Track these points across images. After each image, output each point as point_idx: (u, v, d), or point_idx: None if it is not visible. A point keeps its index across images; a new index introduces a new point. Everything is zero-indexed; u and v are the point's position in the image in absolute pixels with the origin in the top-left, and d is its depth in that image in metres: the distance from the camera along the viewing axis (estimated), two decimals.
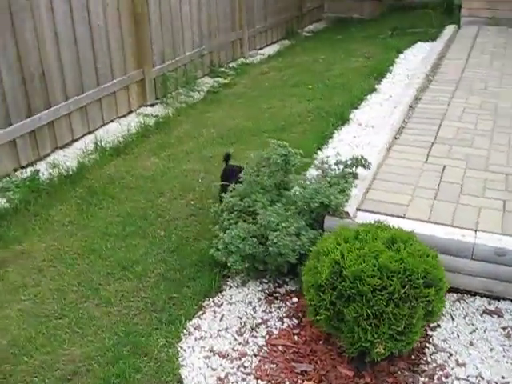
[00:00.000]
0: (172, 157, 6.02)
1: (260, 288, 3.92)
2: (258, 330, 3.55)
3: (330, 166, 4.28)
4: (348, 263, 3.02)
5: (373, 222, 3.38)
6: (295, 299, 3.78)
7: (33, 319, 3.71)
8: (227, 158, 5.03)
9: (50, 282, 4.08)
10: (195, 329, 3.58)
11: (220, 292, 3.91)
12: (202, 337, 3.51)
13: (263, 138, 6.23)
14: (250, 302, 3.79)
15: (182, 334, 3.53)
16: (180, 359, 3.34)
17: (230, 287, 3.95)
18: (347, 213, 3.73)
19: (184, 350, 3.40)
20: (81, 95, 6.31)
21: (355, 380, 3.17)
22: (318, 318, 3.11)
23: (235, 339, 3.49)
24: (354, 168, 4.10)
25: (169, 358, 3.33)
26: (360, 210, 3.88)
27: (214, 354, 3.38)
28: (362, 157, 4.09)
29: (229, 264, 3.70)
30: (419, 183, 4.28)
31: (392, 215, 3.83)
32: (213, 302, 3.82)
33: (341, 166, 4.13)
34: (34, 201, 5.16)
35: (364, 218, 3.75)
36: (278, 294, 3.85)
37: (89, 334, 3.56)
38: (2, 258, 4.39)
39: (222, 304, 3.79)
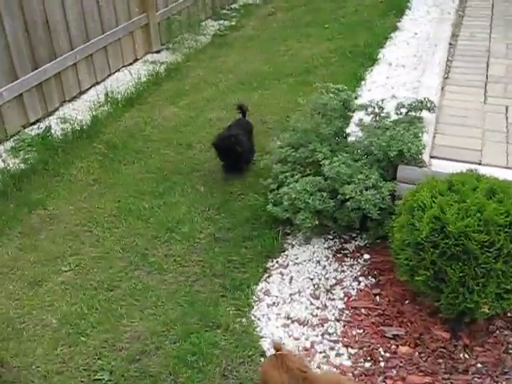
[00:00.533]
0: (192, 105, 5.56)
1: (326, 245, 3.58)
2: (333, 291, 3.24)
3: (382, 109, 3.89)
4: (450, 218, 2.70)
5: (465, 171, 3.05)
6: (366, 256, 3.47)
7: (80, 293, 3.33)
8: (242, 109, 4.70)
9: (89, 250, 3.69)
10: (265, 294, 3.25)
11: (282, 251, 3.57)
12: (274, 303, 3.19)
13: (288, 81, 5.81)
14: (318, 261, 3.46)
15: (251, 301, 3.20)
16: (257, 329, 3.01)
17: (293, 246, 3.61)
18: (424, 161, 3.39)
19: (258, 319, 3.08)
20: (86, 43, 5.77)
21: (452, 342, 2.90)
22: (416, 278, 2.79)
23: (311, 303, 3.17)
24: (418, 112, 3.72)
25: (245, 329, 3.00)
26: (433, 157, 3.53)
27: (292, 322, 3.06)
28: (427, 99, 3.71)
29: (297, 221, 3.35)
30: (486, 126, 3.94)
31: (467, 162, 3.49)
32: (277, 262, 3.48)
33: (403, 110, 3.75)
34: (51, 159, 4.71)
35: (439, 166, 3.42)
36: (346, 251, 3.53)
37: (148, 305, 3.20)
38: (30, 224, 3.97)
39: (287, 265, 3.46)
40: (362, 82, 5.48)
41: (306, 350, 2.89)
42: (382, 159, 3.40)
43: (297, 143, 3.79)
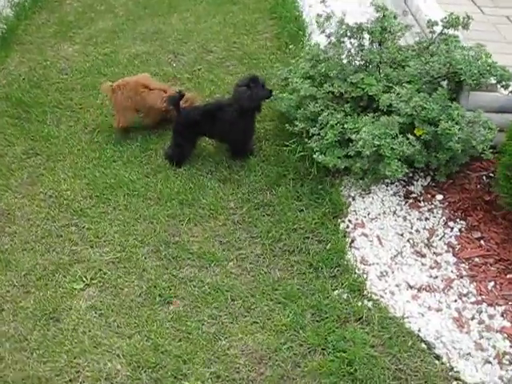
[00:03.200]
0: (98, 40, 4.38)
1: (390, 192, 3.01)
2: (433, 245, 2.74)
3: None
4: None
5: None
6: (439, 196, 2.99)
7: (126, 317, 2.36)
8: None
9: (93, 252, 2.66)
10: (363, 264, 2.63)
11: (346, 207, 2.93)
12: (382, 272, 2.60)
13: (204, 5, 4.85)
14: (394, 212, 2.90)
15: (357, 277, 2.55)
16: (391, 311, 2.40)
17: (354, 198, 2.98)
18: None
19: (381, 297, 2.48)
20: None
21: None
22: None
23: (422, 264, 2.65)
24: (453, 29, 3.21)
25: (381, 315, 2.37)
26: None
27: (418, 291, 2.52)
28: (465, 14, 3.21)
29: (388, 173, 2.71)
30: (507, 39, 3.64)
31: None
32: (350, 222, 2.84)
33: (437, 28, 3.20)
34: None
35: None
36: (415, 195, 3.02)
37: (238, 312, 2.38)
38: None
39: (363, 223, 2.84)
40: (305, 12, 4.73)
41: (457, 320, 2.39)
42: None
43: (320, 75, 3.08)
